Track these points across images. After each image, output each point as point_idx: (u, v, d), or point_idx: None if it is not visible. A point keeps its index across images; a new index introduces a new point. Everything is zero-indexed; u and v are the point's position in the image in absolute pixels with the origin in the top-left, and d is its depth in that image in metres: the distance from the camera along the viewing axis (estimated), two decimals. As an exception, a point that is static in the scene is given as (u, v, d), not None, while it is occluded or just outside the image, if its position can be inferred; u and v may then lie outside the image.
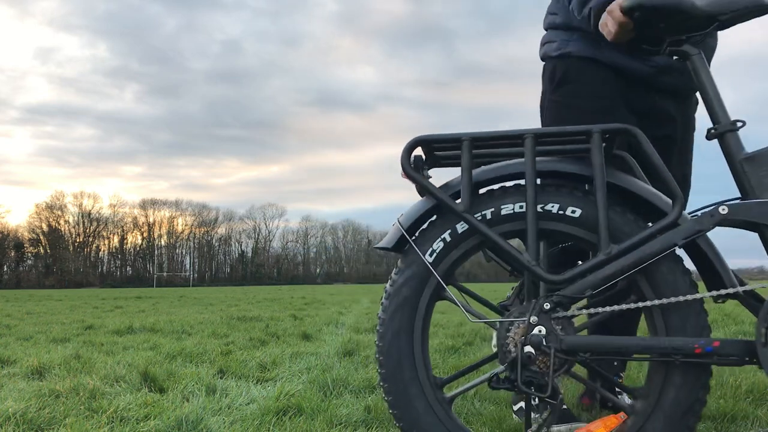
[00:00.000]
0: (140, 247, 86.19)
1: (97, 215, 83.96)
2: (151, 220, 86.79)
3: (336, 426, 2.10)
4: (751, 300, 1.49)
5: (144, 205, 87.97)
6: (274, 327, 6.36)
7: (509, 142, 1.61)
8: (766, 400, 2.26)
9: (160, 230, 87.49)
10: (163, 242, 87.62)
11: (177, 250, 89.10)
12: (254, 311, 9.76)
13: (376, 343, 1.61)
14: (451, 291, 1.60)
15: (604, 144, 1.56)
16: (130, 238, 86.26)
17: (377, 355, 1.60)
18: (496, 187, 1.61)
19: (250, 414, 2.31)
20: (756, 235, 1.51)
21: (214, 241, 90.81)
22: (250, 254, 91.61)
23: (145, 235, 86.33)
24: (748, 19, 1.57)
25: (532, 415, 1.66)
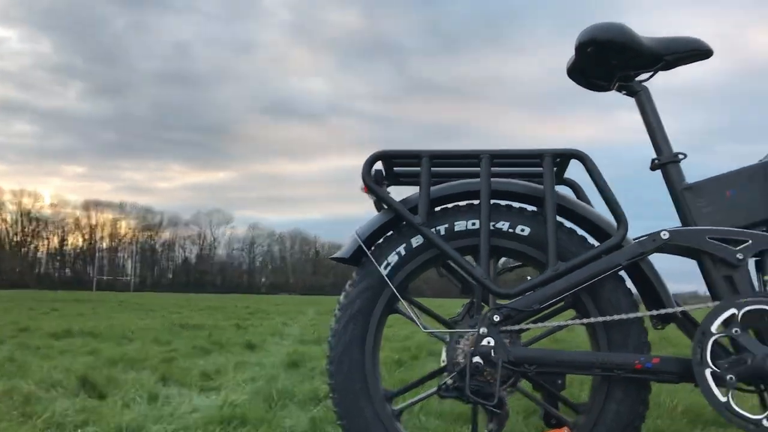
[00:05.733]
0: (81, 249, 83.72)
1: (37, 215, 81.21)
2: (93, 221, 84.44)
3: (281, 436, 2.09)
4: (687, 322, 1.57)
5: (87, 206, 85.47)
6: (217, 335, 6.28)
7: (466, 161, 1.66)
8: (700, 420, 2.35)
9: (102, 232, 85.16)
10: (104, 245, 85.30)
11: (119, 254, 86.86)
12: (197, 319, 9.62)
13: (327, 353, 1.62)
14: (403, 305, 1.63)
15: (555, 168, 1.62)
16: (70, 240, 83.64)
17: (328, 366, 1.62)
18: (450, 205, 1.65)
19: (193, 423, 2.29)
20: (693, 261, 1.60)
21: (157, 245, 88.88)
22: (194, 261, 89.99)
23: (86, 237, 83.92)
24: (691, 62, 1.67)
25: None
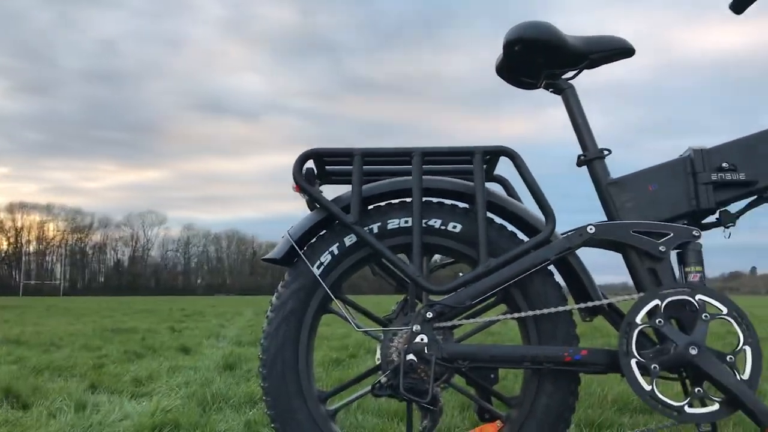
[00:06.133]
0: (6, 252, 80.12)
1: (-43, 217, 77.31)
2: (19, 224, 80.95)
3: (215, 441, 2.05)
4: (613, 314, 1.62)
5: (11, 208, 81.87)
6: (150, 339, 6.11)
7: (398, 159, 1.66)
8: (629, 408, 2.43)
9: (28, 236, 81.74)
10: (31, 248, 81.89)
11: (47, 257, 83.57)
12: (130, 323, 9.35)
13: (260, 356, 1.60)
14: (337, 304, 1.62)
15: (485, 165, 1.64)
16: (-6, 244, 79.95)
17: (261, 369, 1.59)
18: (382, 203, 1.65)
19: (124, 431, 2.22)
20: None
21: (88, 248, 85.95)
22: (126, 263, 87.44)
23: (11, 240, 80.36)
24: (614, 61, 1.72)
25: None
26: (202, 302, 28.10)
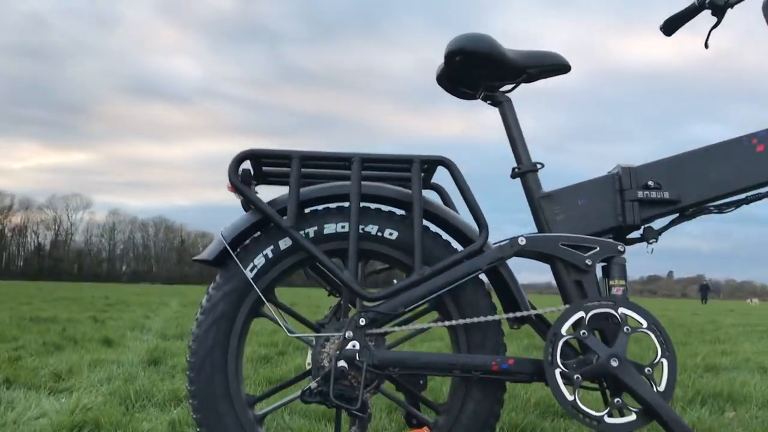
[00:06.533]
0: None
1: None
2: (-71, 203, 76.61)
3: (138, 442, 1.99)
4: (540, 323, 1.66)
5: None
6: (71, 330, 5.89)
7: (337, 163, 1.65)
8: (551, 412, 2.50)
9: (-60, 215, 77.52)
10: (-58, 229, 77.68)
11: (-40, 239, 79.47)
12: (50, 311, 8.99)
13: (188, 358, 1.57)
14: (269, 308, 1.60)
15: (423, 173, 1.66)
16: None
17: (188, 372, 1.56)
18: (319, 207, 1.64)
19: (41, 429, 2.13)
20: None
21: (6, 230, 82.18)
22: (48, 247, 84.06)
23: None
24: (551, 76, 1.76)
25: None
26: (126, 290, 27.33)
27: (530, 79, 1.76)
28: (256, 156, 1.62)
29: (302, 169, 1.61)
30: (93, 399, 2.58)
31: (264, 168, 1.70)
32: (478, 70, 1.71)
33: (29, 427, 2.19)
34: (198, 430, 1.56)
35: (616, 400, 1.53)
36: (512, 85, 1.76)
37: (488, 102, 1.79)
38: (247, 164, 1.63)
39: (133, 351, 4.37)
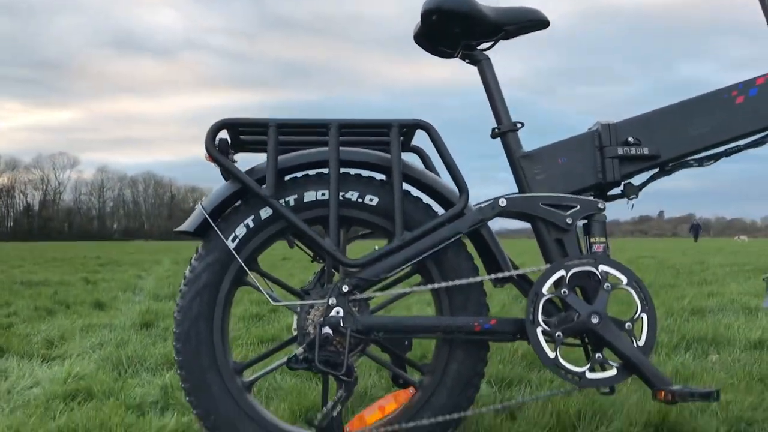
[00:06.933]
0: None
1: None
2: None
3: (129, 409, 2.02)
4: (523, 282, 1.68)
5: None
6: (63, 294, 5.91)
7: (315, 130, 1.64)
8: (537, 364, 2.55)
9: (-75, 178, 76.67)
10: (-71, 192, 76.98)
11: (-53, 202, 78.88)
12: (41, 273, 9.00)
13: (174, 329, 1.58)
14: (252, 277, 1.61)
15: (402, 137, 1.65)
16: None
17: (174, 342, 1.58)
18: (299, 174, 1.63)
19: (34, 399, 2.16)
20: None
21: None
22: (37, 207, 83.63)
23: None
24: (530, 32, 1.73)
25: None
26: (118, 248, 27.34)
27: (508, 36, 1.73)
28: (232, 125, 1.60)
29: (280, 137, 1.59)
30: (85, 366, 2.61)
31: (241, 136, 1.68)
32: (455, 29, 1.68)
33: (23, 397, 2.21)
34: (187, 399, 1.59)
35: (597, 355, 1.56)
36: (490, 43, 1.74)
37: (467, 61, 1.76)
38: (224, 133, 1.62)
39: (124, 314, 4.40)
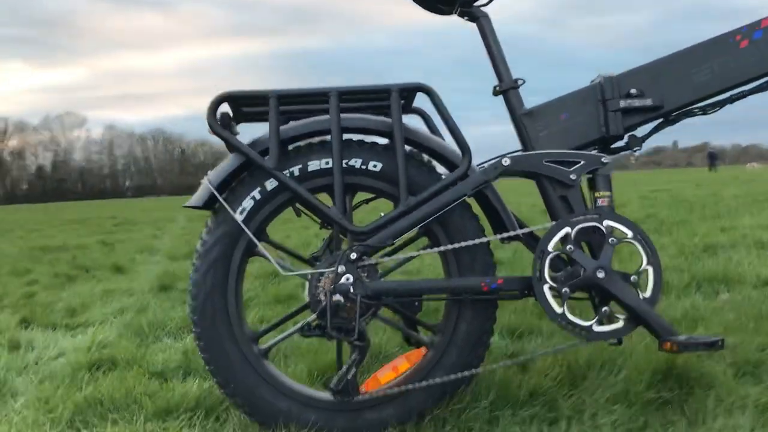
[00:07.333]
0: None
1: None
2: (-77, 134, 75.92)
3: (152, 377, 2.08)
4: (530, 240, 1.69)
5: None
6: (82, 258, 6.01)
7: (315, 98, 1.64)
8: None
9: (-64, 146, 77.01)
10: (-59, 159, 77.48)
11: (-40, 168, 79.43)
12: (58, 237, 9.14)
13: (189, 302, 1.62)
14: (262, 248, 1.64)
15: (402, 101, 1.65)
16: None
17: (191, 315, 1.62)
18: (303, 143, 1.64)
19: (60, 370, 2.22)
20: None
21: (5, 155, 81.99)
22: (49, 168, 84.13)
23: None
24: None
25: None
26: (132, 206, 27.56)
27: None
28: (232, 98, 1.61)
29: (281, 107, 1.60)
30: (108, 334, 2.67)
31: (243, 108, 1.69)
32: None
33: (49, 368, 2.29)
34: (207, 368, 1.64)
35: (603, 309, 1.59)
36: (488, 0, 1.71)
37: (465, 18, 1.74)
38: (225, 107, 1.63)
39: (143, 277, 4.48)
